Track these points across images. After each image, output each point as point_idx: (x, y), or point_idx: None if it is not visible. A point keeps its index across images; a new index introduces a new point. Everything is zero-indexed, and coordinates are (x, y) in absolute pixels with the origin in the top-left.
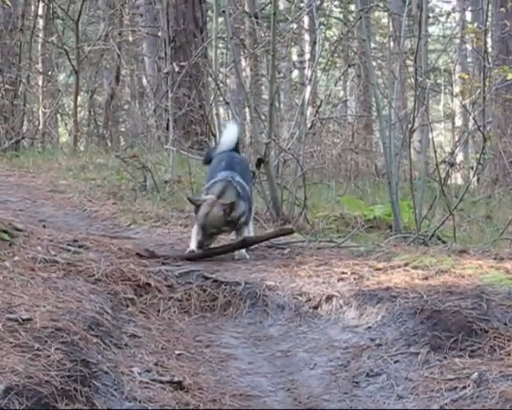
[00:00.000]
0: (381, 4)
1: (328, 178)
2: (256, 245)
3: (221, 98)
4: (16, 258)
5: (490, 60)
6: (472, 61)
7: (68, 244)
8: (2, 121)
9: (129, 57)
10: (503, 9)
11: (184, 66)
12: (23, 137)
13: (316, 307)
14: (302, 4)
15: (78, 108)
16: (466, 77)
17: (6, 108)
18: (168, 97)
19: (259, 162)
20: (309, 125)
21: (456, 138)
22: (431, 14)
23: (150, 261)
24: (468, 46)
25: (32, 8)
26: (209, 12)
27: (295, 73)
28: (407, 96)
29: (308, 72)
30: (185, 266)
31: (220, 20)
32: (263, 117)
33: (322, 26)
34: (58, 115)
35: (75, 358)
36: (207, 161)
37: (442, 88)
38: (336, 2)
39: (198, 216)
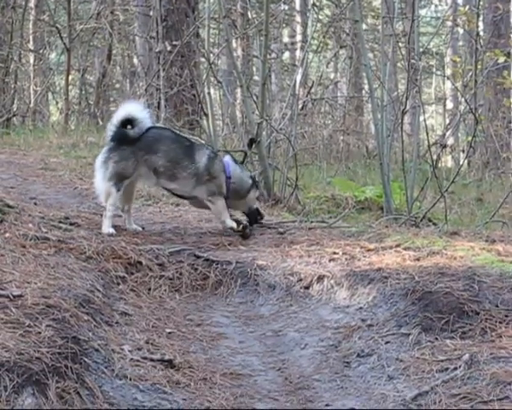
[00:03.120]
0: None
1: (320, 159)
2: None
3: (213, 78)
4: (7, 235)
5: (482, 43)
6: (463, 45)
7: (59, 222)
8: None
9: (120, 36)
10: None
11: (176, 45)
12: (14, 115)
13: (307, 287)
14: None
15: (70, 87)
16: (458, 60)
17: None
18: (160, 77)
19: (251, 142)
20: (300, 106)
21: (448, 121)
22: None
23: (141, 239)
24: (460, 29)
25: None
26: None
27: (286, 54)
28: (398, 78)
29: (300, 53)
30: (176, 244)
31: None
32: (254, 97)
33: (314, 7)
34: (49, 93)
35: (66, 335)
36: None
37: (434, 70)
38: None
39: None
